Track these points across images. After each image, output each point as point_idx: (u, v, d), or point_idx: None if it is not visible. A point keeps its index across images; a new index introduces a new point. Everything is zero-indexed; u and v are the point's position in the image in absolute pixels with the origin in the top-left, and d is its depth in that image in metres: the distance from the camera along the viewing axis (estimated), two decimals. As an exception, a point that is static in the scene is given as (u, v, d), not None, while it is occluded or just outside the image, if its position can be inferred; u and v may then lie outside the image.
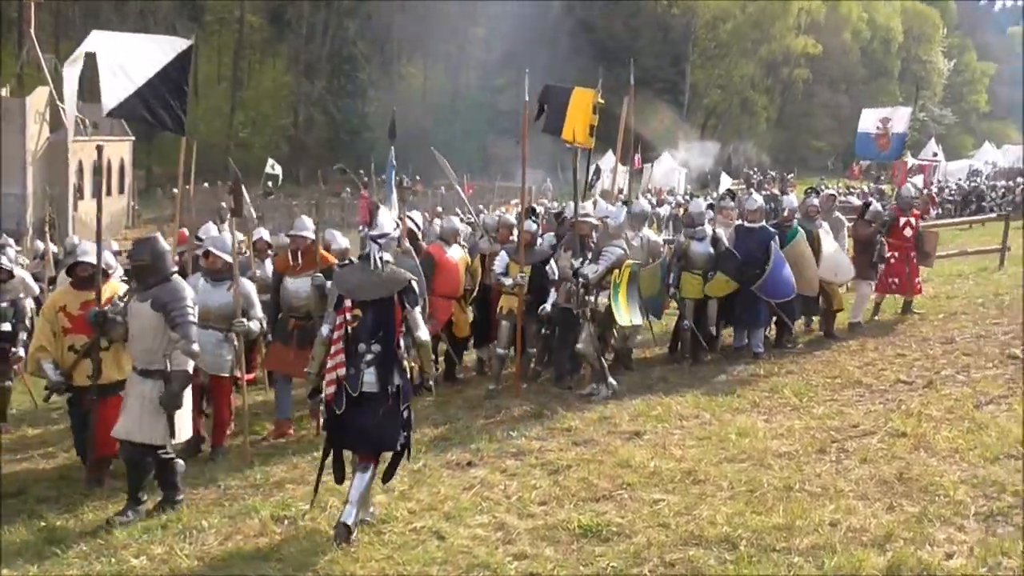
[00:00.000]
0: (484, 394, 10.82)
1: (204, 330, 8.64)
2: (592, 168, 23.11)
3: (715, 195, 28.59)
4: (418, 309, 6.70)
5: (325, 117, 63.33)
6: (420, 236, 12.18)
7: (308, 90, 64.04)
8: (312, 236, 10.18)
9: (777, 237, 11.85)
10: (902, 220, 13.57)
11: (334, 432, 6.71)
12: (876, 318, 13.87)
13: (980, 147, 69.41)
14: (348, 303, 6.54)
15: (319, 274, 9.56)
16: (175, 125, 9.29)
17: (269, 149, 53.93)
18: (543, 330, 11.05)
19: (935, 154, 49.77)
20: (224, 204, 33.70)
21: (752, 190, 30.55)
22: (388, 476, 6.99)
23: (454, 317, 11.47)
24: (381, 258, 6.63)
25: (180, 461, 7.66)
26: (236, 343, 9.13)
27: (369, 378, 6.47)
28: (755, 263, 11.60)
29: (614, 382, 10.29)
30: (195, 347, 7.27)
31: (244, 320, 8.98)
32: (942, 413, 8.51)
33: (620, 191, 20.72)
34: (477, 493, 7.25)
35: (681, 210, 29.57)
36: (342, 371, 6.49)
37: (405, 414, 6.66)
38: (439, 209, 33.10)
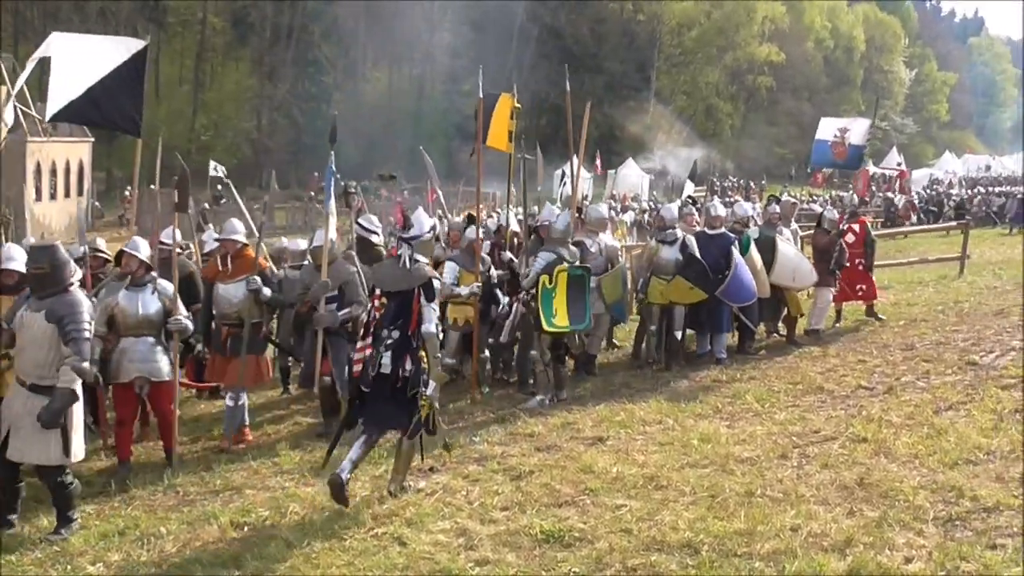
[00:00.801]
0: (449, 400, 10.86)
1: (137, 338, 8.79)
2: (557, 174, 23.14)
3: (679, 201, 28.69)
4: (433, 305, 7.27)
5: (288, 121, 62.93)
6: (377, 241, 12.19)
7: (271, 93, 63.57)
8: (243, 240, 10.08)
9: (737, 243, 11.97)
10: (844, 227, 13.83)
11: (355, 405, 7.41)
12: (838, 325, 14.00)
13: (941, 156, 70.39)
14: (378, 291, 7.41)
15: (255, 277, 9.54)
16: (129, 126, 9.15)
17: (231, 152, 53.59)
18: (490, 339, 11.17)
19: (899, 163, 50.41)
20: (207, 204, 33.33)
21: (715, 197, 30.76)
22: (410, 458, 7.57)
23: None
24: (411, 256, 7.34)
25: (76, 483, 7.37)
26: (172, 344, 8.99)
27: (385, 360, 7.16)
28: (717, 268, 11.69)
29: (544, 399, 10.23)
30: (85, 364, 6.96)
31: (180, 318, 8.87)
32: (902, 419, 8.57)
33: (584, 197, 20.79)
34: (439, 499, 7.22)
35: (645, 216, 29.75)
36: (369, 352, 7.24)
37: (414, 399, 7.13)
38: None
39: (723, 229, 12.28)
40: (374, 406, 7.27)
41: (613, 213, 16.70)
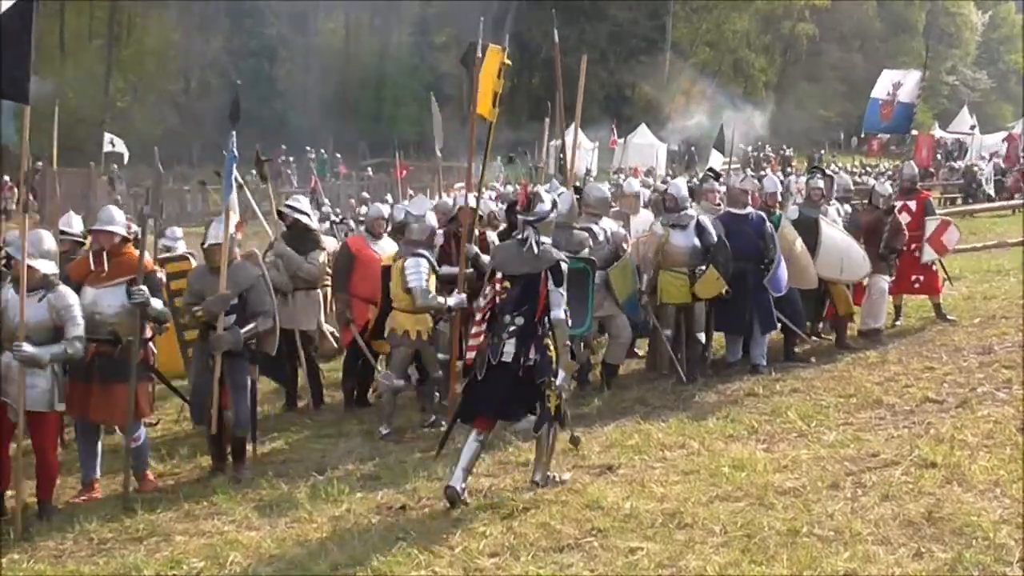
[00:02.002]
0: (420, 421, 10.92)
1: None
2: (555, 144, 23.10)
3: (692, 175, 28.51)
4: (563, 289, 8.08)
5: (223, 81, 62.49)
6: (314, 225, 12.31)
7: (202, 49, 63.36)
8: (123, 232, 9.62)
9: (770, 224, 12.07)
10: (898, 204, 13.88)
11: (467, 397, 8.35)
12: (898, 323, 14.04)
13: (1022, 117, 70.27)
14: (499, 275, 8.24)
15: (141, 289, 9.12)
16: (14, 91, 8.95)
17: (154, 122, 53.36)
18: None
19: (972, 126, 50.22)
20: (147, 190, 33.10)
21: (746, 170, 30.60)
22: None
23: (373, 325, 11.53)
24: (537, 239, 8.15)
25: None
26: (55, 368, 8.71)
27: (508, 348, 8.02)
28: (751, 256, 11.77)
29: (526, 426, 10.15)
30: None
31: (24, 346, 8.40)
32: (979, 438, 8.54)
33: (587, 172, 20.75)
34: (412, 543, 7.19)
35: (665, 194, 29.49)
36: (484, 340, 8.12)
37: (542, 390, 8.06)
38: (364, 195, 33.01)
39: (751, 209, 12.38)
40: (492, 396, 8.13)
41: (625, 183, 16.60)
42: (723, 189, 13.38)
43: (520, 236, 8.31)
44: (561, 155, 17.09)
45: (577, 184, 12.68)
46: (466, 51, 11.46)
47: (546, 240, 8.26)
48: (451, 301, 10.38)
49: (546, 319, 8.07)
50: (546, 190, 10.46)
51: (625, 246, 11.87)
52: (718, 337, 12.68)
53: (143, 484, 9.54)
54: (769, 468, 8.28)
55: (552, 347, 8.09)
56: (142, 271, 9.22)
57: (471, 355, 8.24)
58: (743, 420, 9.92)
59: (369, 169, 46.23)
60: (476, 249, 11.17)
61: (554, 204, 8.64)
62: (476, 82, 11.01)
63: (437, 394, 11.34)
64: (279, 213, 12.38)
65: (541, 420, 8.15)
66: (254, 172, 14.54)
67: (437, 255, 11.12)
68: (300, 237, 11.83)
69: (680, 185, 12.81)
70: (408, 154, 43.22)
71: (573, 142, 12.26)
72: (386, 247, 11.77)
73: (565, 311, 8.07)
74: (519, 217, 8.47)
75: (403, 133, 47.96)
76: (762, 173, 27.62)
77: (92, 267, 9.45)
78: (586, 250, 10.86)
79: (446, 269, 11.10)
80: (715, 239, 11.64)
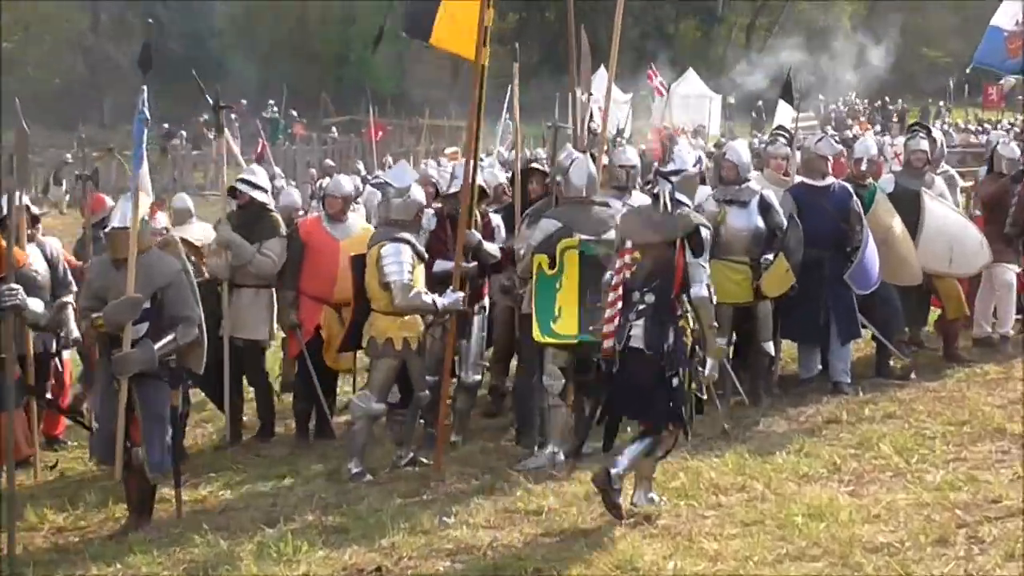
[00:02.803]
0: (395, 459, 10.91)
1: None
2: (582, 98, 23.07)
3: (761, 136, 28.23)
4: (704, 259, 8.51)
5: (141, 20, 62.11)
6: (271, 207, 12.35)
7: (115, -27, 63.36)
8: None
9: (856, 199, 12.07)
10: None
11: (604, 393, 8.82)
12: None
13: None
14: (628, 245, 8.64)
15: (13, 288, 9.14)
16: None
17: (52, 68, 53.21)
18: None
19: None
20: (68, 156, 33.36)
21: (826, 128, 30.30)
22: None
23: (325, 333, 11.64)
24: (673, 198, 8.51)
25: None
26: None
27: (636, 331, 8.43)
28: (824, 242, 11.77)
29: (557, 454, 10.32)
30: None
31: None
32: None
33: (619, 132, 20.61)
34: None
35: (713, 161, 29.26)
36: (619, 320, 8.51)
37: (675, 383, 8.43)
38: (328, 162, 32.97)
39: (832, 179, 12.35)
40: (629, 391, 8.59)
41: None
42: (798, 155, 13.41)
43: (653, 192, 8.77)
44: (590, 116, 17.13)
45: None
46: None
47: (683, 199, 8.64)
48: (443, 301, 10.32)
49: (684, 297, 8.45)
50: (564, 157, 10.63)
51: None
52: (789, 347, 12.75)
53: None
54: (856, 518, 8.22)
55: (689, 331, 8.50)
56: (11, 266, 9.25)
57: (607, 343, 8.55)
58: (821, 455, 9.90)
59: (334, 129, 46.00)
60: (478, 236, 11.14)
61: (699, 161, 9.07)
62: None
63: (422, 422, 11.29)
64: (231, 190, 12.37)
65: (665, 416, 8.53)
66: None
67: (426, 242, 11.04)
68: (254, 220, 11.88)
69: (739, 149, 12.73)
70: (384, 110, 43.02)
71: (607, 95, 12.20)
72: (352, 229, 11.80)
73: (709, 287, 8.48)
74: (656, 170, 8.83)
75: (377, 83, 47.72)
76: (856, 132, 27.30)
77: None
78: (611, 232, 10.52)
79: (440, 264, 11.12)
80: (784, 220, 11.66)
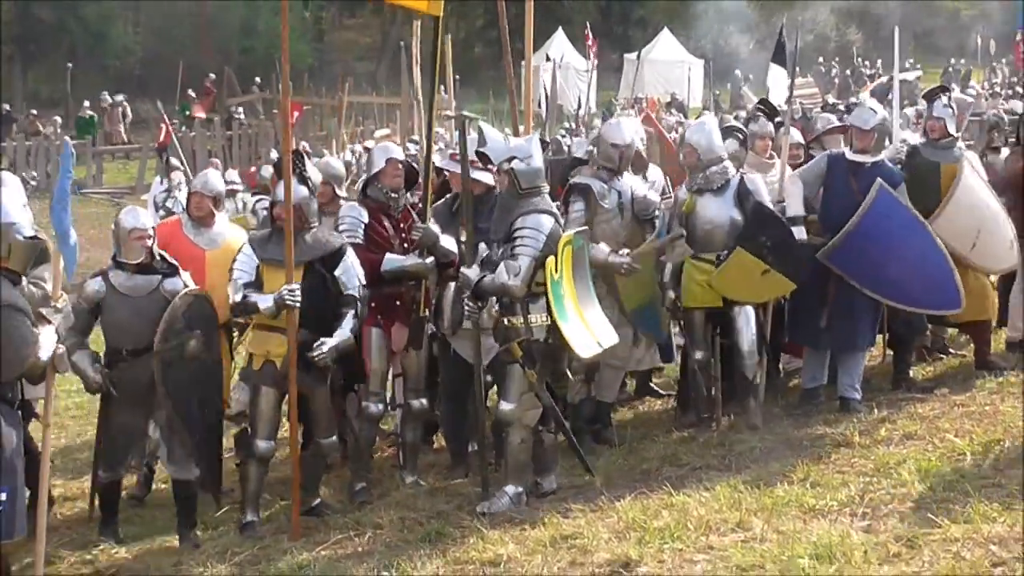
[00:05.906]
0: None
1: None
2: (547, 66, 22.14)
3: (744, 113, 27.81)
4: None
5: (37, 3, 61.09)
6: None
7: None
8: None
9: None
10: None
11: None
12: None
13: None
14: None
15: None
16: None
17: None
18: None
19: None
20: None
21: (825, 100, 30.09)
22: None
23: None
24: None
25: None
26: None
27: None
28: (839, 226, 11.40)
29: (520, 494, 9.89)
30: None
31: None
32: None
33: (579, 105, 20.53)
34: None
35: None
36: None
37: None
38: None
39: (884, 157, 11.92)
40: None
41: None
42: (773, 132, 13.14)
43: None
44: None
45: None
46: None
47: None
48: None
49: None
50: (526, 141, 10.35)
51: (657, 215, 11.72)
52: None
53: None
54: (872, 558, 7.81)
55: None
56: None
57: None
58: (830, 484, 9.41)
59: (241, 110, 44.66)
60: (437, 230, 10.76)
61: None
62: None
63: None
64: None
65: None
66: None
67: (364, 238, 10.77)
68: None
69: (702, 128, 12.13)
70: (301, 85, 42.12)
71: (528, 64, 12.14)
72: (220, 237, 11.15)
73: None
74: None
75: (292, 55, 46.24)
76: (853, 100, 27.41)
77: None
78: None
79: (391, 260, 10.68)
80: (765, 208, 11.21)
